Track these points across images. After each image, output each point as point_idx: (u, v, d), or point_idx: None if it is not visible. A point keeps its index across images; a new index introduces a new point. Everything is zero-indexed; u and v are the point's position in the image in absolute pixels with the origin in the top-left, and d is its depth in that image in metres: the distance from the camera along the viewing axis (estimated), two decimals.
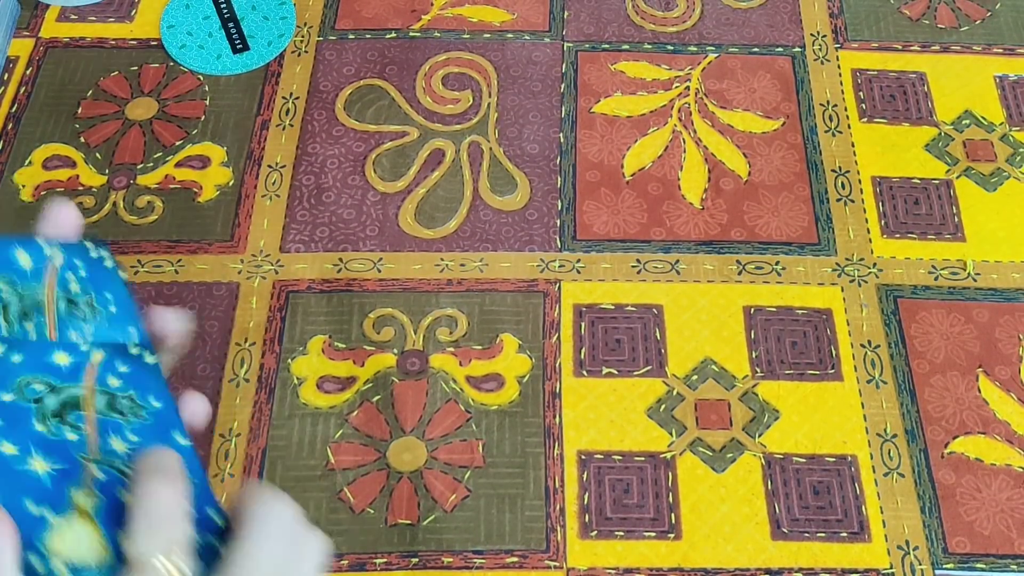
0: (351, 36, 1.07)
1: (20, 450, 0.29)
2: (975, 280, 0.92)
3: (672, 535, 0.79)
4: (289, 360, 0.86)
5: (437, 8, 1.10)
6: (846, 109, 1.02)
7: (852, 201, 0.96)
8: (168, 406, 0.34)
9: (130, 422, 0.32)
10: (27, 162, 0.97)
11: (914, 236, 0.94)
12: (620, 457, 0.82)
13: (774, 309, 0.90)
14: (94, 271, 0.34)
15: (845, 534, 0.79)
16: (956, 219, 0.95)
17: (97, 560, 0.29)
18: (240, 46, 1.05)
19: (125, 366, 0.34)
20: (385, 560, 0.77)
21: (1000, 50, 1.07)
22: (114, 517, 0.30)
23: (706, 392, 0.85)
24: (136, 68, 1.04)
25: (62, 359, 0.32)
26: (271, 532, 0.30)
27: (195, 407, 0.34)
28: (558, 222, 0.94)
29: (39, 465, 0.29)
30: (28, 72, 1.03)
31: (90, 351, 0.33)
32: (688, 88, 1.04)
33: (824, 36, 1.08)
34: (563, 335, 0.88)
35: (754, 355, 0.87)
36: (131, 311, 0.35)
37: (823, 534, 0.79)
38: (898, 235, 0.94)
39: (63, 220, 0.34)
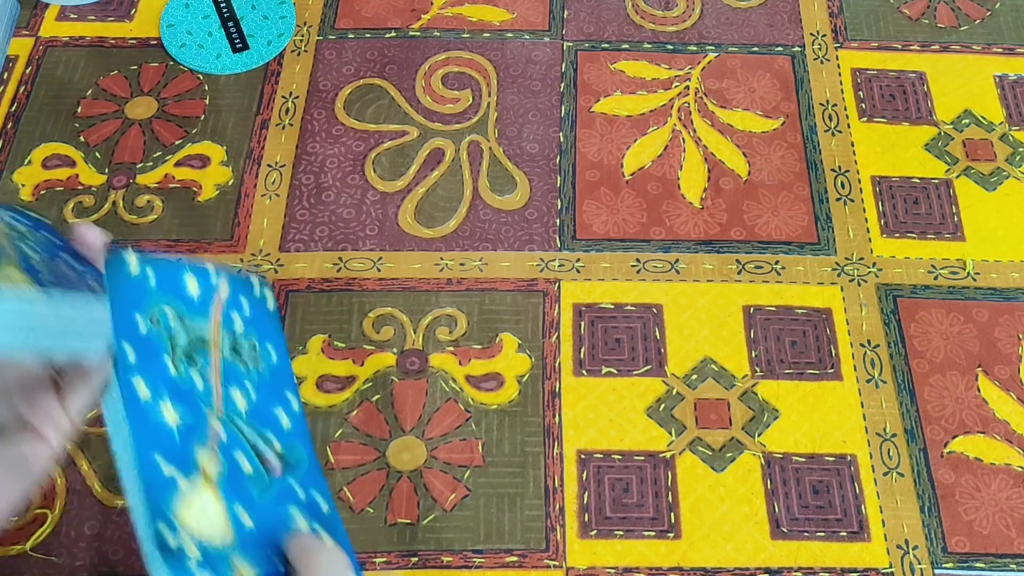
0: (351, 35, 1.07)
1: (152, 394, 0.30)
2: (975, 279, 0.92)
3: (671, 534, 0.79)
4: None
5: (437, 7, 1.09)
6: (846, 108, 1.02)
7: (852, 200, 0.96)
8: (283, 361, 0.35)
9: (250, 372, 0.33)
10: (26, 161, 0.97)
11: (914, 235, 0.94)
12: (620, 456, 0.82)
13: (774, 308, 0.90)
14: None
15: (844, 533, 0.79)
16: (956, 218, 0.95)
17: (221, 537, 0.30)
18: (240, 45, 1.05)
19: (249, 306, 0.35)
20: (385, 559, 0.77)
21: (1000, 50, 1.07)
22: (234, 487, 0.31)
23: (705, 391, 0.85)
24: (136, 67, 1.04)
25: (192, 287, 0.33)
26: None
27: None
28: (558, 221, 0.94)
29: (169, 415, 0.30)
30: (28, 71, 1.03)
31: (217, 284, 0.34)
32: (688, 87, 1.04)
33: (824, 35, 1.08)
34: (563, 334, 0.88)
35: (753, 354, 0.87)
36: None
37: (822, 533, 0.79)
38: (898, 234, 0.94)
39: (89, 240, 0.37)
